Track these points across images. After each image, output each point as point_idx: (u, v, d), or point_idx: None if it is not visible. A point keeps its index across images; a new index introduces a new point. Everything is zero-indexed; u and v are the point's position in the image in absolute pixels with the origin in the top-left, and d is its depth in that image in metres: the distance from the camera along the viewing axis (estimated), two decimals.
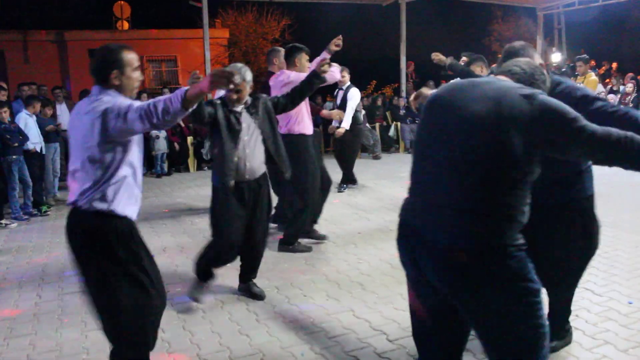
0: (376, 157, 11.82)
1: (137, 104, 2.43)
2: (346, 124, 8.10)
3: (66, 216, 2.65)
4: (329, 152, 11.14)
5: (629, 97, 11.61)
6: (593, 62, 16.50)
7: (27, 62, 18.56)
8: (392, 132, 13.10)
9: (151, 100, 2.38)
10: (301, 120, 5.19)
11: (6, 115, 7.02)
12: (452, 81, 2.43)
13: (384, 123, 13.30)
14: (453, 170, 1.99)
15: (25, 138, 7.11)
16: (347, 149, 8.37)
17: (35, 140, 7.40)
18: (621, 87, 12.62)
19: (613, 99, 12.33)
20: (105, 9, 21.42)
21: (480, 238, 1.95)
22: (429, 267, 2.06)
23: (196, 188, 8.91)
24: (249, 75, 3.87)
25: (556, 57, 15.51)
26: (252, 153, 3.94)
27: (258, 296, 4.14)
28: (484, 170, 1.94)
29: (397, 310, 3.87)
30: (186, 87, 2.32)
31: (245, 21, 20.72)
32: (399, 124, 13.10)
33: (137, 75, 2.65)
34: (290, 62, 5.18)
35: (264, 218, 4.11)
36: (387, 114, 13.73)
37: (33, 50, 18.87)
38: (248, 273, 4.22)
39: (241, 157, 3.88)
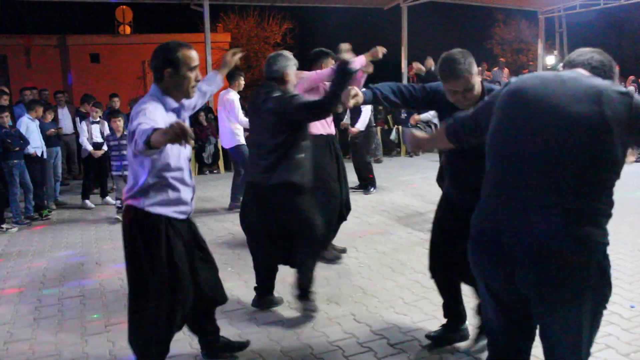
0: (377, 161, 11.80)
1: (141, 127, 2.36)
2: (361, 125, 8.12)
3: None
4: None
5: None
6: None
7: (29, 66, 18.62)
8: (393, 135, 13.09)
9: (140, 128, 2.33)
10: None
11: (7, 120, 7.03)
12: (534, 73, 2.29)
13: (385, 127, 13.29)
14: (552, 169, 1.94)
15: (26, 142, 7.11)
16: (361, 150, 8.42)
17: (36, 145, 7.40)
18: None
19: None
20: (107, 13, 21.47)
21: (589, 239, 1.92)
22: (525, 272, 1.98)
23: (199, 192, 8.91)
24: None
25: (551, 60, 15.53)
26: None
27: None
28: (588, 170, 1.92)
29: (398, 314, 3.85)
30: (153, 127, 2.26)
31: (247, 25, 20.77)
32: (400, 127, 13.08)
33: (193, 75, 2.65)
34: (316, 67, 4.95)
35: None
36: (389, 117, 13.72)
37: (35, 54, 18.93)
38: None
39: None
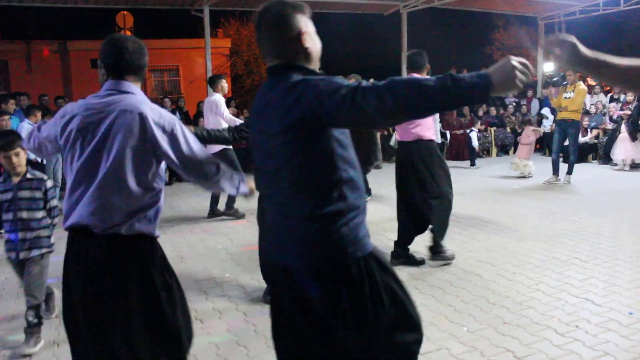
0: (377, 167, 11.79)
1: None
2: None
3: None
4: None
5: (630, 105, 11.60)
6: None
7: (30, 72, 18.64)
8: (393, 141, 13.09)
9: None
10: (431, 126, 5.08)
11: (8, 124, 7.05)
12: None
13: (385, 132, 13.30)
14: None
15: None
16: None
17: None
18: (622, 96, 12.61)
19: (614, 107, 12.34)
20: (108, 19, 21.53)
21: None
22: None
23: (197, 198, 8.89)
24: None
25: (548, 67, 15.53)
26: None
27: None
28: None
29: None
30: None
31: (247, 31, 20.79)
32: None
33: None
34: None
35: None
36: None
37: (36, 60, 18.95)
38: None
39: None
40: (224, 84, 7.41)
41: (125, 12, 21.44)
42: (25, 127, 7.39)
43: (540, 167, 9.99)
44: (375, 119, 1.72)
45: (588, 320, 3.72)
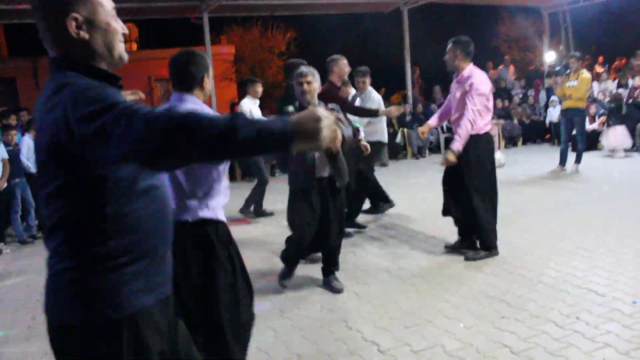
0: (382, 165, 11.71)
1: None
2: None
3: None
4: None
5: (638, 90, 11.39)
6: (601, 58, 16.27)
7: (37, 88, 18.82)
8: (399, 138, 13.03)
9: None
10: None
11: (14, 138, 7.23)
12: None
13: (391, 130, 13.20)
14: None
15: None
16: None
17: None
18: (629, 81, 12.39)
19: (623, 92, 12.12)
20: None
21: None
22: None
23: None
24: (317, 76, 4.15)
25: (550, 57, 15.35)
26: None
27: (336, 290, 4.37)
28: None
29: (391, 319, 3.76)
30: None
31: (251, 36, 20.80)
32: (405, 130, 13.01)
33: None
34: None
35: (336, 215, 4.32)
36: (394, 120, 13.65)
37: (43, 76, 19.10)
38: (327, 266, 4.49)
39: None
40: (258, 88, 7.36)
41: (130, 23, 21.60)
42: (26, 141, 7.44)
43: (551, 157, 9.84)
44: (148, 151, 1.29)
45: (590, 311, 3.61)
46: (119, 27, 1.59)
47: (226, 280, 2.59)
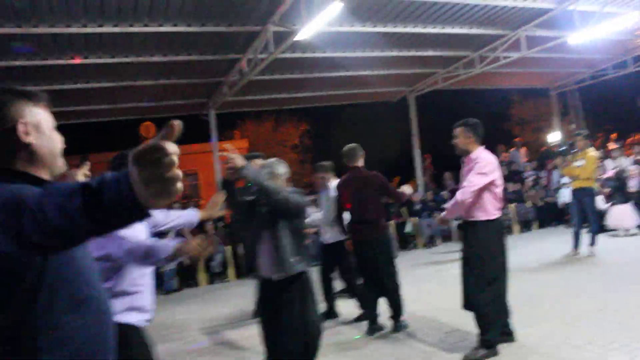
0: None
1: None
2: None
3: None
4: None
5: None
6: (614, 135, 16.05)
7: None
8: (408, 228, 12.67)
9: None
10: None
11: None
12: None
13: (399, 220, 12.91)
14: None
15: None
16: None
17: None
18: None
19: (636, 170, 11.76)
20: (131, 130, 22.39)
21: None
22: None
23: (210, 305, 8.57)
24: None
25: (554, 137, 15.21)
26: None
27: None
28: None
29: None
30: None
31: (263, 129, 21.27)
32: (416, 219, 12.69)
33: None
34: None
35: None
36: (403, 209, 13.39)
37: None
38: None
39: None
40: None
41: (148, 122, 22.34)
42: None
43: (565, 240, 9.36)
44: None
45: None
46: (60, 139, 1.60)
47: None
